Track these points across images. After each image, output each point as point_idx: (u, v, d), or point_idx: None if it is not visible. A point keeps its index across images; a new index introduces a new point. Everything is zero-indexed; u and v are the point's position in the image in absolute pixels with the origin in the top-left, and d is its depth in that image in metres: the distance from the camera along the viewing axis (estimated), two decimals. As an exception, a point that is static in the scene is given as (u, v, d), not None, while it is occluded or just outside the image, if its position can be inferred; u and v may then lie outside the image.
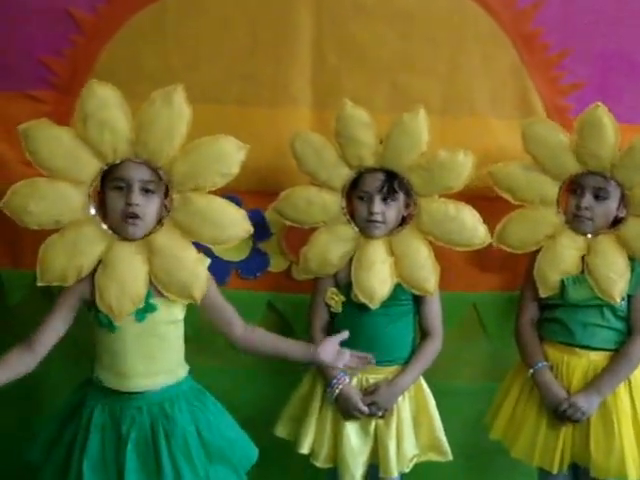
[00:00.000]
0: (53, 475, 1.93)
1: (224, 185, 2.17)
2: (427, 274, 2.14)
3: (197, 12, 2.29)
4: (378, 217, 2.12)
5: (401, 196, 2.13)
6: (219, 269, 2.36)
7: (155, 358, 1.91)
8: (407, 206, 2.16)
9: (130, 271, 1.87)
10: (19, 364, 1.87)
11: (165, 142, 1.87)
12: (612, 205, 2.15)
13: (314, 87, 2.31)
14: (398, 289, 2.15)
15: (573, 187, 2.18)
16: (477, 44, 2.29)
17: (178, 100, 1.87)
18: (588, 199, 2.15)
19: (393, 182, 2.11)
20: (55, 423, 1.97)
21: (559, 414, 2.13)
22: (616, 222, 2.18)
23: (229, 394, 2.09)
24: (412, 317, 2.22)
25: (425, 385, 2.22)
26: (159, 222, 1.92)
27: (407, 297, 2.18)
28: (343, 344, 2.13)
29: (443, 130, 2.27)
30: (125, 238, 1.89)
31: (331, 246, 2.16)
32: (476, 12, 2.27)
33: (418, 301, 2.19)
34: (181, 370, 1.99)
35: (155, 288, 1.90)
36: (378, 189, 2.11)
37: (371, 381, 2.16)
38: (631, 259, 2.15)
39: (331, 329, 2.21)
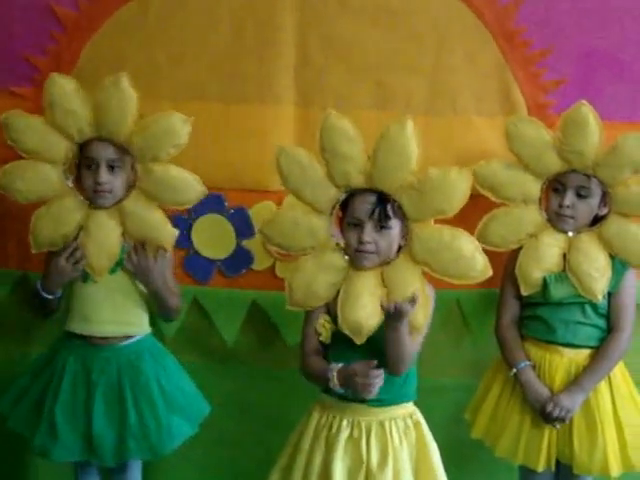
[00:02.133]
0: (21, 421, 2.15)
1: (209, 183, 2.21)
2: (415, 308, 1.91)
3: (180, 8, 2.30)
4: (370, 247, 1.92)
5: (396, 223, 1.94)
6: (202, 267, 2.38)
7: (120, 308, 2.18)
8: (405, 235, 1.96)
9: (106, 234, 2.14)
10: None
11: (120, 121, 2.11)
12: (594, 203, 2.16)
13: (298, 84, 2.31)
14: None
15: (555, 185, 2.18)
16: (461, 41, 2.30)
17: (125, 84, 2.11)
18: (570, 197, 2.15)
19: (386, 206, 1.93)
20: (25, 378, 2.20)
21: (544, 415, 2.13)
22: (596, 220, 2.19)
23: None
24: None
25: (427, 432, 2.03)
26: (128, 190, 2.16)
27: None
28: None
29: (427, 128, 2.25)
30: (99, 207, 2.15)
31: (317, 275, 1.98)
32: (459, 9, 2.28)
33: None
34: (144, 327, 2.23)
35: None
36: (369, 214, 1.92)
37: (362, 424, 1.96)
38: (612, 257, 2.16)
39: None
